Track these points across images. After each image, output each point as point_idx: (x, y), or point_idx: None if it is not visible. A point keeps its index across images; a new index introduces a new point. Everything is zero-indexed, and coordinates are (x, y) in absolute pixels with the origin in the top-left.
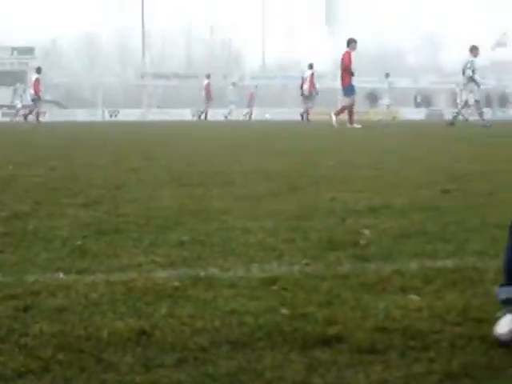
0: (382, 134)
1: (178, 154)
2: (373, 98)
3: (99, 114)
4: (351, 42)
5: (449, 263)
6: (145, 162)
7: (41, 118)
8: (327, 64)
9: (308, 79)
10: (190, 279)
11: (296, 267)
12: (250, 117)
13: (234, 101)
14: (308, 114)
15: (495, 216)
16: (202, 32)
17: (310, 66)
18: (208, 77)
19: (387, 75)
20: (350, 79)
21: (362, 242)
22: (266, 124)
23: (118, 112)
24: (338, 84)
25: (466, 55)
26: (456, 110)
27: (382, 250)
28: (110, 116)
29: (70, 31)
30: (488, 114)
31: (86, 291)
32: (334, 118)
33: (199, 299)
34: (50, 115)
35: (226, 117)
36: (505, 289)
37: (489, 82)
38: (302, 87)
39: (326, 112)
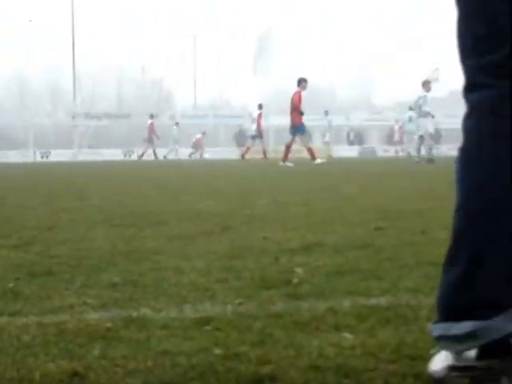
0: (316, 172)
1: (110, 194)
2: None
3: (31, 155)
4: (301, 82)
5: (382, 301)
6: (77, 203)
7: None
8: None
9: (256, 119)
10: (123, 320)
11: (229, 307)
12: (200, 156)
13: (178, 140)
14: (246, 152)
15: (428, 253)
16: (134, 72)
17: (260, 107)
18: (151, 117)
19: (326, 113)
20: (300, 118)
21: (295, 280)
22: (202, 163)
23: (50, 153)
24: (284, 122)
25: (401, 90)
26: (426, 148)
27: (315, 287)
28: (42, 157)
29: (0, 71)
30: (421, 150)
31: (18, 333)
32: (317, 161)
33: (132, 340)
34: None
35: (165, 156)
36: (438, 325)
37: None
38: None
39: (258, 150)
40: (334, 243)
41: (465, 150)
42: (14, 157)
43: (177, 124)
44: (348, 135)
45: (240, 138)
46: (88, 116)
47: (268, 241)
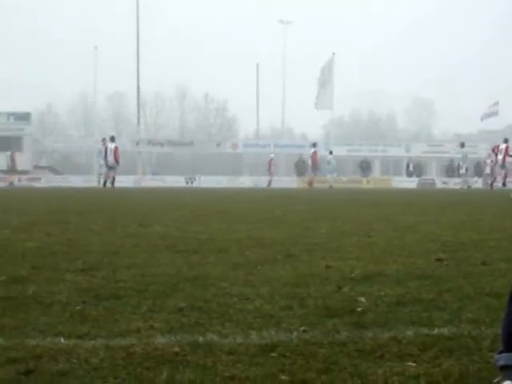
0: (375, 202)
1: (173, 221)
2: (365, 166)
3: (94, 180)
4: None
5: (445, 331)
6: (140, 229)
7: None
8: (318, 133)
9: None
10: (189, 345)
11: (294, 334)
12: (268, 184)
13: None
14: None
15: (489, 285)
16: (196, 99)
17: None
18: (315, 145)
19: (462, 145)
20: None
21: (359, 309)
22: (261, 191)
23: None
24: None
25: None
26: None
27: (379, 317)
28: (100, 181)
29: (65, 96)
30: (478, 182)
31: (86, 356)
32: None
33: (199, 365)
34: (45, 181)
35: (331, 186)
36: (503, 355)
37: (480, 152)
38: None
39: (318, 180)
40: (395, 273)
41: None
42: (76, 181)
43: (331, 152)
44: (407, 166)
45: (300, 166)
46: (151, 143)
47: (330, 269)
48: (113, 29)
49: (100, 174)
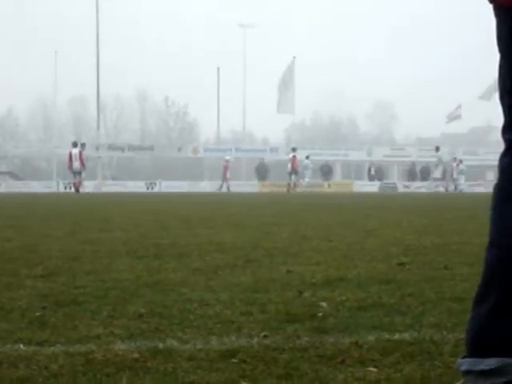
0: (336, 206)
1: (133, 226)
2: (326, 170)
3: (54, 186)
4: None
5: (406, 336)
6: (101, 234)
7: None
8: (280, 137)
9: None
10: (149, 351)
11: (255, 340)
12: (227, 188)
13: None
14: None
15: (450, 289)
16: (157, 102)
17: None
18: (293, 150)
19: (437, 149)
20: None
21: (320, 314)
22: (222, 196)
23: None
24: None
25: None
26: None
27: (340, 322)
28: (65, 188)
29: (25, 100)
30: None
31: (46, 362)
32: None
33: (159, 371)
34: (6, 186)
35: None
36: (466, 360)
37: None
38: None
39: (279, 184)
40: (356, 278)
41: (500, 188)
42: (37, 187)
43: (307, 157)
44: (369, 170)
45: (261, 171)
46: (111, 147)
47: (291, 274)
48: (73, 32)
49: (70, 183)
